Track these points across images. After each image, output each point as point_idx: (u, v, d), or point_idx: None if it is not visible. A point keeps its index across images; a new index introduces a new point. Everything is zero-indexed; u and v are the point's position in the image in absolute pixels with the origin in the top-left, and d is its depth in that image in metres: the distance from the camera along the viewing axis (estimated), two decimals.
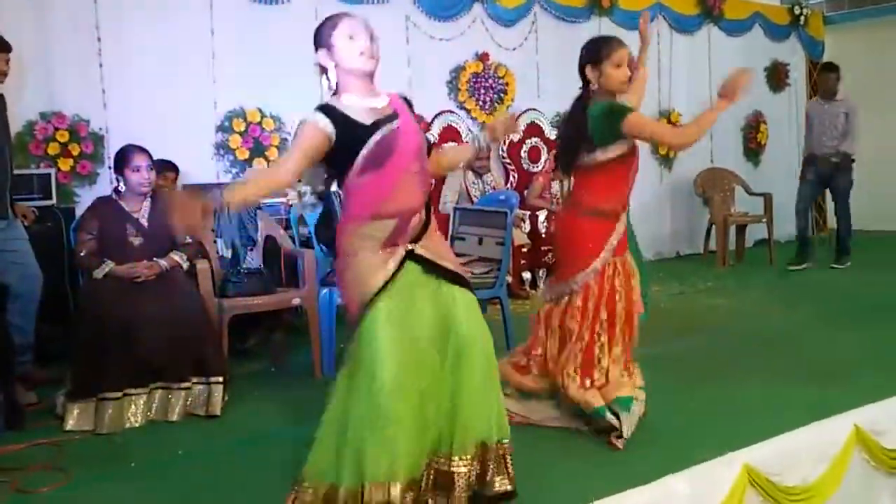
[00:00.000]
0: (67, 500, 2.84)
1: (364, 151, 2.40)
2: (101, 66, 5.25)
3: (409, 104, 2.61)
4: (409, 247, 2.48)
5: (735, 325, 5.29)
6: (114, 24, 5.27)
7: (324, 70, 2.50)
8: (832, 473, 3.06)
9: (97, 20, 5.22)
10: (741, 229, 7.97)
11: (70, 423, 3.51)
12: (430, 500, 2.46)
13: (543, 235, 6.38)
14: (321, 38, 2.47)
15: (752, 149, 8.91)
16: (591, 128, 3.14)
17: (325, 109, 2.42)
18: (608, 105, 3.15)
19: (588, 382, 3.23)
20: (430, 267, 2.51)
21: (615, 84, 3.20)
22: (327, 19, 2.52)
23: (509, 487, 2.56)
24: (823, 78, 7.31)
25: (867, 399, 3.42)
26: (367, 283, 2.42)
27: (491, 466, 2.51)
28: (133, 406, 3.57)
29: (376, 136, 2.41)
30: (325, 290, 4.24)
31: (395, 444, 2.31)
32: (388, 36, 6.29)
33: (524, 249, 6.27)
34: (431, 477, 2.47)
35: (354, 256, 2.46)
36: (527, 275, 6.32)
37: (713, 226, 7.82)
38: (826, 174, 7.16)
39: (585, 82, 3.26)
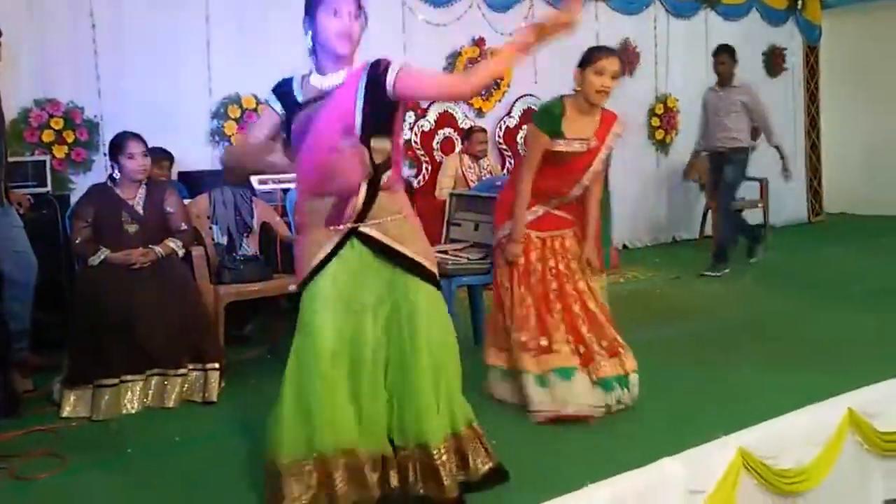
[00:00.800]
0: (65, 486, 2.85)
1: (291, 128, 2.47)
2: (95, 53, 5.24)
3: (373, 68, 2.44)
4: (353, 225, 2.44)
5: (728, 311, 5.30)
6: (109, 10, 5.26)
7: (306, 36, 2.49)
8: (826, 456, 3.07)
9: (92, 7, 5.21)
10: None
11: (67, 410, 3.52)
12: (421, 490, 2.49)
13: None
14: (307, 8, 2.47)
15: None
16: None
17: (279, 87, 2.53)
18: (543, 108, 3.48)
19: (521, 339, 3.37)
20: (382, 249, 2.47)
21: (590, 90, 3.32)
22: None
23: (491, 464, 2.61)
24: (716, 61, 6.55)
25: (861, 382, 3.43)
26: (308, 260, 2.45)
27: (468, 453, 2.57)
28: (129, 393, 3.57)
29: (300, 115, 2.44)
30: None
31: (338, 414, 2.40)
32: (384, 21, 6.34)
33: None
34: (417, 468, 2.49)
35: (301, 231, 2.52)
36: None
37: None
38: (717, 166, 6.59)
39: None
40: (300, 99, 2.46)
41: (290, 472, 2.40)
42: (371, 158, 2.40)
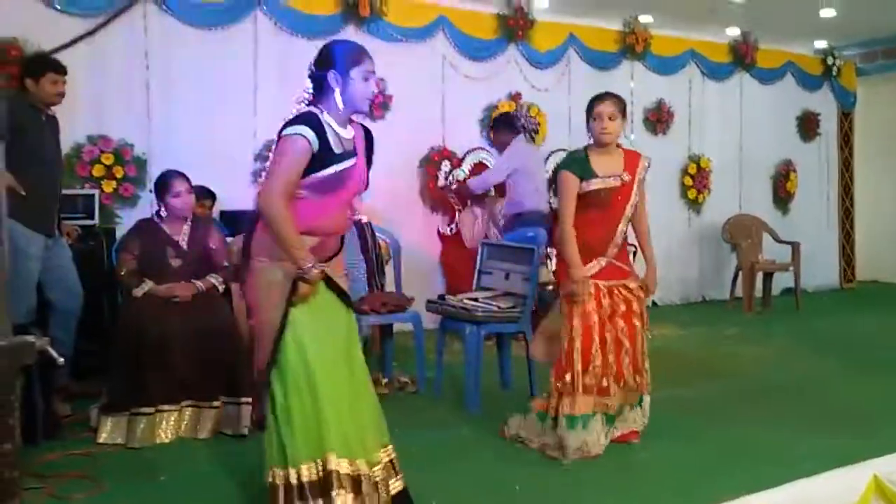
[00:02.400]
0: None
1: (319, 176, 2.58)
2: (148, 92, 5.46)
3: (369, 138, 2.81)
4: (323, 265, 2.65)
5: (759, 372, 5.29)
6: (162, 53, 5.49)
7: (319, 83, 2.63)
8: None
9: (147, 49, 5.43)
10: (768, 276, 7.96)
11: (103, 436, 3.63)
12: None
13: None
14: (338, 62, 2.61)
15: (782, 197, 8.92)
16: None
17: (314, 124, 2.56)
18: (568, 155, 3.79)
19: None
20: (330, 285, 2.71)
21: (595, 135, 3.62)
22: (349, 47, 2.68)
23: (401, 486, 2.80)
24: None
25: (889, 449, 3.42)
26: (284, 291, 2.58)
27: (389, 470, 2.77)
28: (164, 422, 3.67)
29: (336, 167, 2.60)
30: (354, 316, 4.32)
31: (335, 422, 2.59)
32: (424, 74, 6.54)
33: (549, 287, 6.32)
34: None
35: (274, 261, 2.60)
36: None
37: (740, 272, 7.83)
38: None
39: None
40: (336, 150, 2.60)
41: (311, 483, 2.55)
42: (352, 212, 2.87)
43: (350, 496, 2.55)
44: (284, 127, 2.57)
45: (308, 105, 2.64)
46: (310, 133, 2.53)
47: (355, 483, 2.58)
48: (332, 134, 2.60)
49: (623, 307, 3.62)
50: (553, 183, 6.41)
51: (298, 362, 2.57)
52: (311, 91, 2.66)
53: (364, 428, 2.68)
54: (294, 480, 2.55)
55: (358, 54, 2.64)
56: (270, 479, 2.59)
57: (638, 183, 3.65)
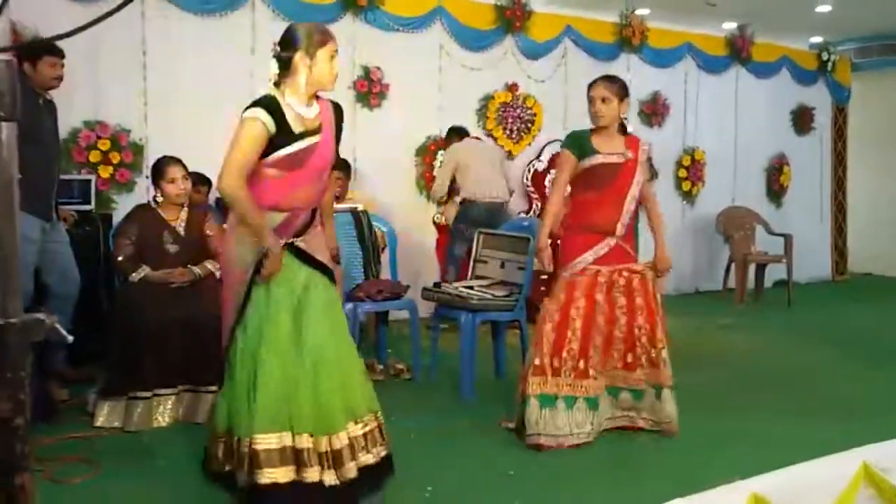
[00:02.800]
0: (97, 491, 2.97)
1: (279, 154, 2.69)
2: (145, 79, 5.45)
3: (339, 113, 2.90)
4: (291, 240, 2.79)
5: (751, 361, 5.35)
6: (159, 38, 5.48)
7: (285, 63, 2.72)
8: None
9: (144, 34, 5.43)
10: (761, 268, 8.01)
11: (100, 420, 3.65)
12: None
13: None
14: (304, 42, 2.70)
15: (775, 190, 8.97)
16: None
17: (271, 107, 2.67)
18: (571, 134, 3.81)
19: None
20: (306, 259, 2.81)
21: (592, 119, 3.70)
22: (316, 29, 2.76)
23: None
24: None
25: (879, 437, 3.46)
26: (248, 262, 2.74)
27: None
28: (161, 406, 3.70)
29: (295, 146, 2.70)
30: (350, 304, 4.36)
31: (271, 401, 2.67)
32: (421, 63, 6.55)
33: (542, 276, 6.35)
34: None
35: (234, 240, 2.80)
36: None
37: (733, 263, 7.88)
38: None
39: None
40: (295, 129, 2.70)
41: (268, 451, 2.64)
42: (323, 189, 2.91)
43: (280, 470, 2.63)
44: (244, 110, 2.68)
45: (275, 85, 2.74)
46: (264, 115, 2.64)
47: (290, 457, 2.65)
48: (291, 114, 2.70)
49: (622, 293, 3.64)
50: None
51: (248, 342, 2.72)
52: (276, 71, 2.74)
53: (323, 403, 2.70)
54: (236, 448, 2.70)
55: (323, 35, 2.73)
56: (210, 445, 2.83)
57: (640, 164, 3.69)
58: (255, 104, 2.67)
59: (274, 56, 2.76)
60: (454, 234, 5.99)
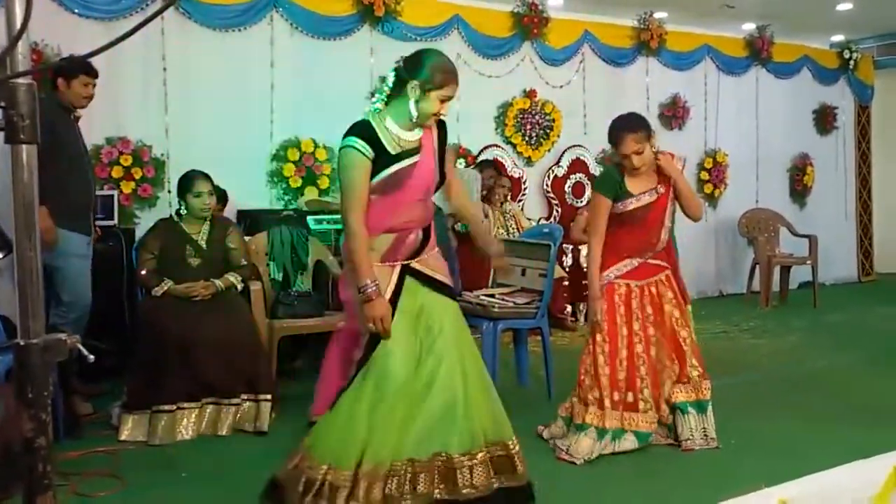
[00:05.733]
0: None
1: (379, 178, 2.69)
2: (165, 94, 5.50)
3: (443, 132, 2.85)
4: (406, 262, 2.76)
5: (777, 365, 5.29)
6: (179, 54, 5.52)
7: (400, 82, 2.70)
8: None
9: (164, 51, 5.48)
10: (785, 270, 7.93)
11: (125, 434, 3.67)
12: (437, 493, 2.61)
13: (585, 269, 6.45)
14: (425, 76, 2.66)
15: (799, 191, 8.88)
16: None
17: (366, 133, 2.68)
18: (604, 175, 3.72)
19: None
20: (425, 279, 2.78)
21: (629, 164, 3.52)
22: (442, 65, 2.70)
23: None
24: None
25: None
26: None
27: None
28: (185, 419, 3.72)
29: (392, 168, 2.70)
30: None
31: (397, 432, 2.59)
32: None
33: (565, 283, 6.34)
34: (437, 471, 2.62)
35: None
36: (568, 308, 6.43)
37: (757, 266, 7.80)
38: None
39: None
40: (391, 150, 2.70)
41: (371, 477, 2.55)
42: (431, 208, 2.87)
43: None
44: (343, 137, 2.70)
45: (386, 99, 2.74)
46: (359, 143, 2.65)
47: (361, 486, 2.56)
48: (387, 137, 2.70)
49: (651, 310, 3.60)
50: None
51: (380, 375, 2.64)
52: (390, 86, 2.74)
53: (427, 427, 2.62)
54: (319, 477, 2.57)
55: (446, 77, 2.68)
56: (297, 465, 2.65)
57: (673, 184, 3.61)
58: (350, 131, 2.68)
59: (394, 69, 2.75)
60: None
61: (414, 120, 2.72)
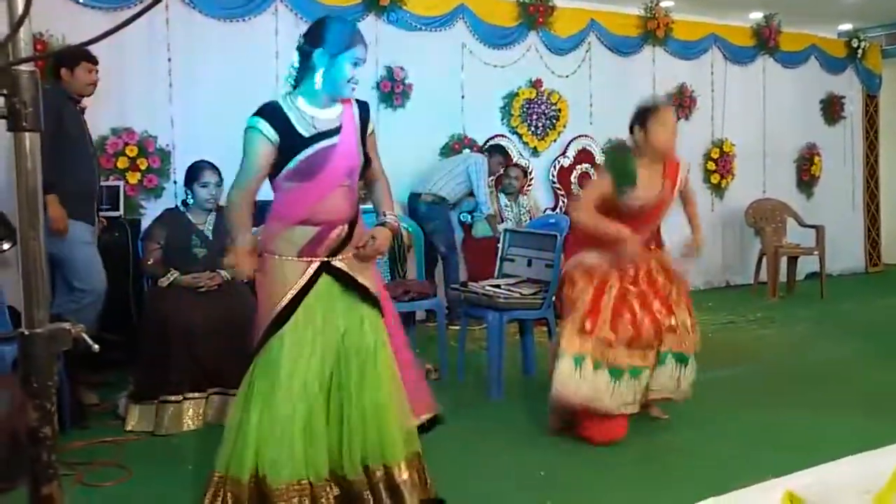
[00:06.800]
0: (129, 494, 3.00)
1: (293, 163, 2.51)
2: (170, 85, 5.49)
3: (364, 113, 2.67)
4: (326, 259, 2.57)
5: (783, 356, 5.27)
6: (184, 45, 5.52)
7: (305, 57, 2.54)
8: None
9: (169, 41, 5.47)
10: (792, 261, 7.90)
11: (131, 424, 3.69)
12: None
13: None
14: (327, 43, 2.50)
15: (806, 181, 8.84)
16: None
17: (270, 114, 2.51)
18: (621, 164, 3.54)
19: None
20: (347, 281, 2.60)
21: (656, 142, 3.49)
22: (344, 28, 2.56)
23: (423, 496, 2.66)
24: None
25: None
26: (278, 293, 2.53)
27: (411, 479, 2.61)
28: (191, 409, 3.72)
29: (308, 151, 2.50)
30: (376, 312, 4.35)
31: (287, 446, 2.44)
32: (444, 62, 6.53)
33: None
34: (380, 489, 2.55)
35: (272, 258, 2.58)
36: None
37: (764, 256, 7.77)
38: None
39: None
40: (304, 133, 2.51)
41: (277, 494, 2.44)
42: (356, 197, 2.67)
43: None
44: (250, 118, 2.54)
45: (294, 82, 2.58)
46: (264, 125, 2.49)
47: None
48: (298, 119, 2.52)
49: (646, 283, 3.57)
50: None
51: (267, 374, 2.50)
52: (295, 65, 2.58)
53: (335, 444, 2.54)
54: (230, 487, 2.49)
55: (351, 38, 2.52)
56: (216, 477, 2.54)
57: (678, 192, 3.62)
58: (257, 111, 2.52)
59: (297, 47, 2.58)
60: None
61: (326, 93, 2.54)
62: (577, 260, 3.61)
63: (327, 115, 2.57)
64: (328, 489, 2.52)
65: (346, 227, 2.60)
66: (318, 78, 2.52)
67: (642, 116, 3.49)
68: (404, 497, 2.56)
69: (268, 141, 2.50)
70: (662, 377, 3.58)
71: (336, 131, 2.56)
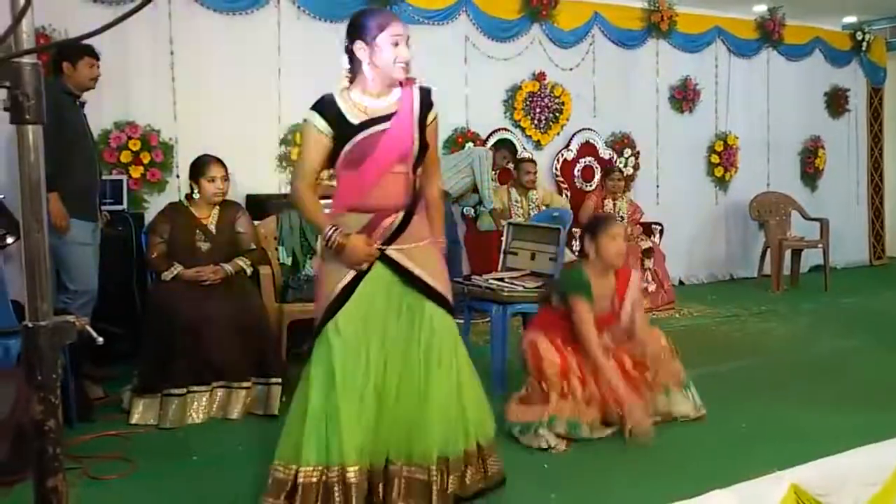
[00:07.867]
0: (135, 487, 3.00)
1: (345, 150, 2.55)
2: (173, 79, 5.48)
3: (426, 98, 2.65)
4: (380, 247, 2.57)
5: (787, 349, 5.26)
6: (186, 39, 5.51)
7: (351, 57, 2.59)
8: (882, 497, 3.04)
9: (171, 35, 5.46)
10: (796, 254, 7.89)
11: (136, 417, 3.69)
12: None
13: None
14: (363, 31, 2.54)
15: (810, 174, 8.81)
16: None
17: (323, 107, 2.57)
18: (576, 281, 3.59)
19: None
20: (402, 273, 2.59)
21: (606, 255, 3.59)
22: (372, 14, 2.61)
23: (481, 486, 2.67)
24: None
25: None
26: (333, 280, 2.56)
27: (469, 471, 2.62)
28: (196, 403, 3.72)
29: (357, 137, 2.54)
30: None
31: (343, 433, 2.46)
32: (447, 54, 6.51)
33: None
34: (403, 483, 2.54)
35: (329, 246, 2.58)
36: None
37: (768, 249, 7.76)
38: None
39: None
40: (353, 121, 2.56)
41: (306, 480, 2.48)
42: (414, 185, 2.64)
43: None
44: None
45: (350, 81, 2.62)
46: (316, 117, 2.56)
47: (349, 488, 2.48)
48: (350, 108, 2.56)
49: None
50: None
51: (327, 362, 2.52)
52: (347, 66, 2.62)
53: (396, 430, 2.55)
54: (298, 479, 2.50)
55: (383, 19, 2.55)
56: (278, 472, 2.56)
57: (628, 304, 3.66)
58: (312, 105, 2.59)
59: (344, 49, 2.61)
60: None
61: (378, 79, 2.56)
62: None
63: (383, 103, 2.60)
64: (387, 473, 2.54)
65: (402, 215, 2.60)
66: (367, 68, 2.56)
67: (593, 229, 3.62)
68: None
69: (320, 132, 2.56)
70: (683, 406, 3.67)
71: (389, 117, 2.57)
